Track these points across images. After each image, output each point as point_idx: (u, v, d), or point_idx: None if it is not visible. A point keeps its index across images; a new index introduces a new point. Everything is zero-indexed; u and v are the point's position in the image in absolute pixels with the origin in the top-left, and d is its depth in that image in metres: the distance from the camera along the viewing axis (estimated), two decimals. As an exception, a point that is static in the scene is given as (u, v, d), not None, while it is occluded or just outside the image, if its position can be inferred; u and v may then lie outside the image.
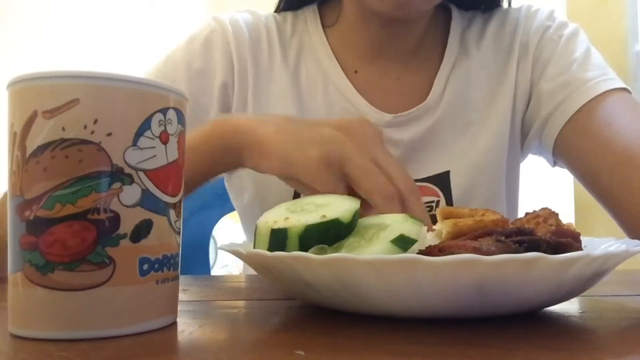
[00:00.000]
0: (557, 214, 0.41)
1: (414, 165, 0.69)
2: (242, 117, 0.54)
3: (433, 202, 0.68)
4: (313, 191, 0.47)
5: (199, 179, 0.58)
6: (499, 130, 0.71)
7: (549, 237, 0.34)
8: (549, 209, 0.42)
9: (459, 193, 0.69)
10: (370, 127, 0.52)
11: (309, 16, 0.76)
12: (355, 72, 0.72)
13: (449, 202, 0.69)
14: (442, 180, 0.69)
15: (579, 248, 0.35)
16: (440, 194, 0.68)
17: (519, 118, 0.73)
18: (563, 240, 0.34)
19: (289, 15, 0.77)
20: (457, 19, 0.75)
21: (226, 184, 0.77)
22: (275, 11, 0.78)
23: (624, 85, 0.67)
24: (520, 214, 0.78)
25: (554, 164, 0.72)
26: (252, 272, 0.77)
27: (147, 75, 0.71)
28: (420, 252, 0.33)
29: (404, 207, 0.47)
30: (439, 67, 0.72)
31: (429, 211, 0.68)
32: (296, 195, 0.67)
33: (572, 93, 0.67)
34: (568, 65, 0.69)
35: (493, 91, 0.72)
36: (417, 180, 0.68)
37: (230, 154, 0.53)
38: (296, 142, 0.49)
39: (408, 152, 0.70)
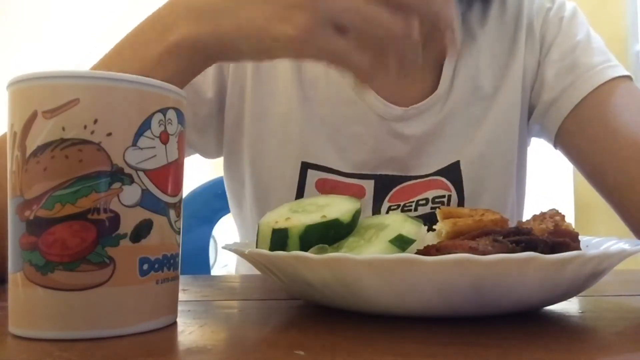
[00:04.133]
0: (564, 215, 0.41)
1: (423, 160, 0.67)
2: (185, 17, 0.44)
3: (444, 197, 0.66)
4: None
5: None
6: (508, 115, 0.69)
7: (547, 237, 0.34)
8: (556, 210, 0.42)
9: (470, 185, 0.67)
10: None
11: None
12: None
13: (460, 195, 0.67)
14: (452, 172, 0.67)
15: (577, 248, 0.35)
16: (452, 187, 0.67)
17: (527, 101, 0.71)
18: (560, 240, 0.34)
19: None
20: (455, 3, 0.71)
21: (225, 180, 0.76)
22: None
23: (627, 73, 0.66)
24: (524, 210, 0.77)
25: (555, 148, 0.70)
26: (244, 271, 0.76)
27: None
28: (418, 252, 0.34)
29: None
30: (445, 56, 0.69)
31: (440, 206, 0.66)
32: (298, 193, 0.67)
33: (577, 79, 0.66)
34: (571, 48, 0.68)
35: (502, 74, 0.70)
36: (427, 175, 0.67)
37: (203, 62, 0.46)
38: (271, 31, 0.40)
39: (419, 146, 0.67)
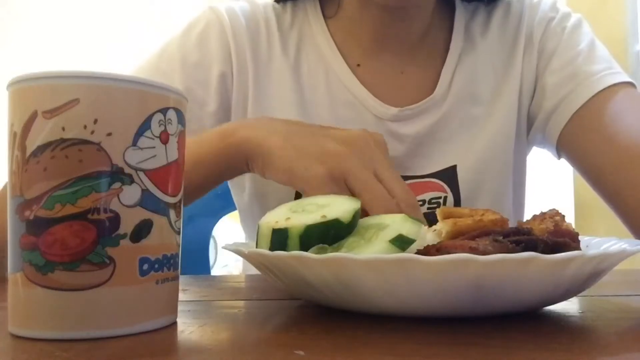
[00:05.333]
0: (564, 215, 0.41)
1: (420, 160, 0.68)
2: (249, 126, 0.56)
3: (440, 198, 0.67)
4: None
5: (206, 187, 0.61)
6: (505, 124, 0.70)
7: (547, 237, 0.34)
8: (556, 210, 0.42)
9: (466, 188, 0.68)
10: (373, 140, 0.53)
11: (310, 6, 0.74)
12: (358, 65, 0.70)
13: (457, 198, 0.68)
14: (448, 176, 0.68)
15: (577, 248, 0.35)
16: (448, 189, 0.67)
17: (525, 111, 0.72)
18: (560, 240, 0.34)
19: (288, 5, 0.74)
20: (461, 11, 0.74)
21: (230, 183, 0.77)
22: (275, 1, 0.76)
23: (629, 80, 0.67)
24: (525, 212, 0.78)
25: (559, 156, 0.71)
26: (252, 272, 0.77)
27: (141, 68, 0.70)
28: (418, 252, 0.34)
29: None
30: (444, 60, 0.71)
31: (436, 207, 0.67)
32: (297, 194, 0.67)
33: (578, 86, 0.66)
34: (573, 57, 0.69)
35: (499, 84, 0.71)
36: (423, 176, 0.68)
37: (237, 164, 0.55)
38: (301, 156, 0.50)
39: (414, 147, 0.68)
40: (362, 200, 0.47)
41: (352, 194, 0.49)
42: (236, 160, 0.55)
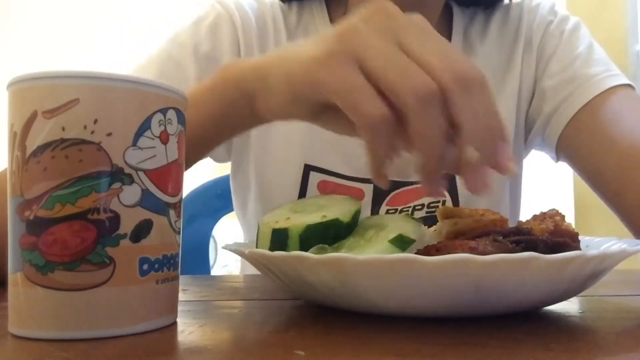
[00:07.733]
0: (564, 216, 0.41)
1: None
2: (246, 60, 0.50)
3: (439, 202, 0.68)
4: (331, 97, 0.37)
5: (210, 138, 0.52)
6: None
7: (547, 237, 0.34)
8: (556, 210, 0.42)
9: (465, 192, 0.68)
10: (394, 7, 0.37)
11: (316, 9, 0.73)
12: None
13: (455, 201, 0.68)
14: (448, 180, 0.68)
15: (577, 248, 0.35)
16: (446, 193, 0.68)
17: (523, 115, 0.72)
18: (560, 240, 0.34)
19: (294, 5, 0.74)
20: (459, 16, 0.74)
21: (231, 182, 0.77)
22: (282, 0, 0.75)
23: (628, 82, 0.67)
24: (522, 214, 0.78)
25: (557, 159, 0.71)
26: (251, 272, 0.77)
27: (150, 58, 0.69)
28: (418, 252, 0.34)
29: (450, 106, 0.33)
30: None
31: (435, 211, 0.67)
32: (300, 195, 0.67)
33: (577, 89, 0.67)
34: (571, 61, 0.69)
35: (498, 88, 0.71)
36: None
37: (241, 100, 0.47)
38: (299, 55, 0.39)
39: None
40: (383, 82, 0.34)
41: (371, 78, 0.35)
42: (240, 95, 0.46)
